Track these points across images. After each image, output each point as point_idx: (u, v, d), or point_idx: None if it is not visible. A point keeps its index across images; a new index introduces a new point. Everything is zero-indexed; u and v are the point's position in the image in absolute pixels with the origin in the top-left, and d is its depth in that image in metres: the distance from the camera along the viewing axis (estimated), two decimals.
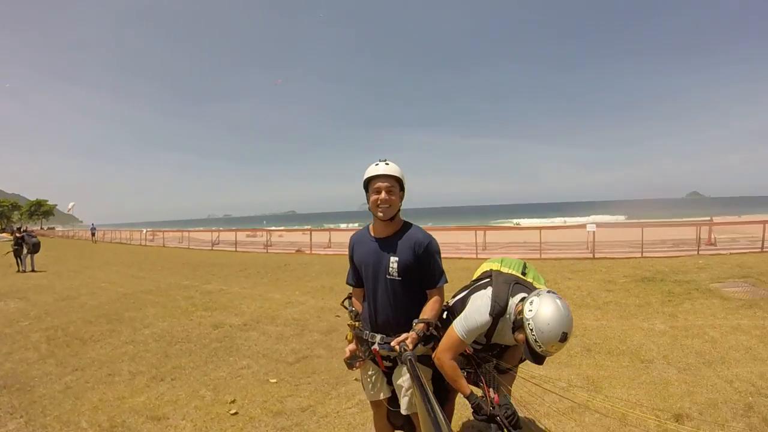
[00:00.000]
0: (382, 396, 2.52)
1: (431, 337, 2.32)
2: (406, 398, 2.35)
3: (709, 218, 19.24)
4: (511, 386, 2.54)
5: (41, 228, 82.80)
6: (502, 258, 2.66)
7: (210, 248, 25.09)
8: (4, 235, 43.36)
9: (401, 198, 2.37)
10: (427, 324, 2.25)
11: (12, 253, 15.80)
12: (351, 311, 2.55)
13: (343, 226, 43.66)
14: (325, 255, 17.93)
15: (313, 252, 19.34)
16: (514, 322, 2.12)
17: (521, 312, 2.04)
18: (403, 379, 2.35)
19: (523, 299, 2.13)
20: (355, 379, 4.45)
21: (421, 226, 2.51)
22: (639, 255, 13.26)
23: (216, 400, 4.11)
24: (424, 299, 2.40)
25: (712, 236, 15.41)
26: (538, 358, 2.01)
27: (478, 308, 2.22)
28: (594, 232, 14.42)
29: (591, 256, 13.71)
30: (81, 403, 4.14)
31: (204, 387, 4.42)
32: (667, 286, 8.16)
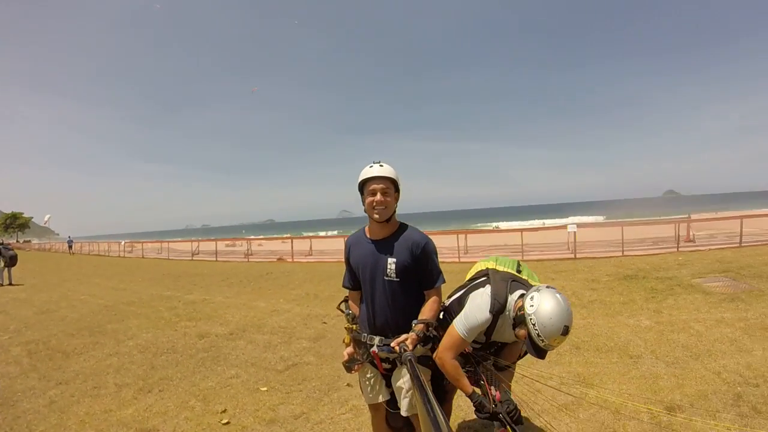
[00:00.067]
0: (380, 399, 2.50)
1: (430, 337, 2.31)
2: (406, 400, 2.33)
3: (687, 216, 19.70)
4: (510, 382, 2.56)
5: (17, 241, 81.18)
6: (497, 257, 2.67)
7: (190, 258, 24.73)
8: None
9: (397, 199, 2.37)
10: (427, 324, 2.25)
11: None
12: (348, 314, 2.53)
13: (322, 233, 43.53)
14: (307, 263, 17.81)
15: (294, 260, 19.20)
16: (514, 319, 2.14)
17: (522, 308, 2.06)
18: (403, 381, 2.33)
19: (522, 296, 2.15)
20: (347, 385, 4.42)
21: None
22: (620, 254, 13.46)
23: (206, 410, 4.03)
24: (422, 300, 2.40)
25: (691, 233, 15.77)
26: (541, 352, 2.03)
27: (478, 306, 2.23)
28: (575, 232, 14.61)
29: (572, 256, 13.89)
30: (67, 417, 4.03)
31: (193, 397, 4.33)
32: (650, 283, 8.30)
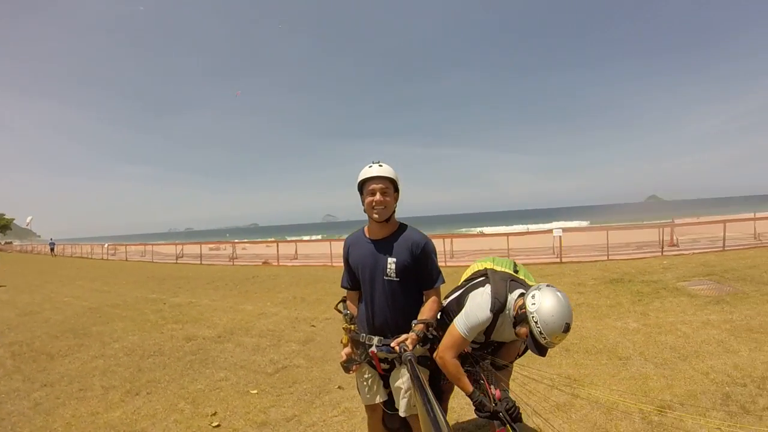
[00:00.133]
0: (378, 399, 2.49)
1: (429, 337, 2.30)
2: (405, 400, 2.32)
3: (670, 220, 20.03)
4: (508, 381, 2.57)
5: None
6: (494, 257, 2.69)
7: (174, 261, 24.41)
8: None
9: (396, 199, 2.37)
10: (427, 324, 2.24)
11: None
12: (346, 314, 2.50)
13: (306, 237, 43.35)
14: (292, 266, 17.70)
15: (280, 264, 19.08)
16: (515, 317, 2.15)
17: (523, 306, 2.07)
18: (402, 381, 2.32)
19: (521, 295, 2.17)
20: (339, 387, 4.39)
21: None
22: (605, 258, 13.59)
23: (196, 413, 3.97)
24: (421, 300, 2.40)
25: (674, 237, 16.03)
26: (542, 350, 2.05)
27: (479, 305, 2.24)
28: (560, 236, 14.75)
29: (558, 260, 13.98)
30: (53, 420, 3.95)
31: (182, 400, 4.26)
32: (636, 287, 8.39)
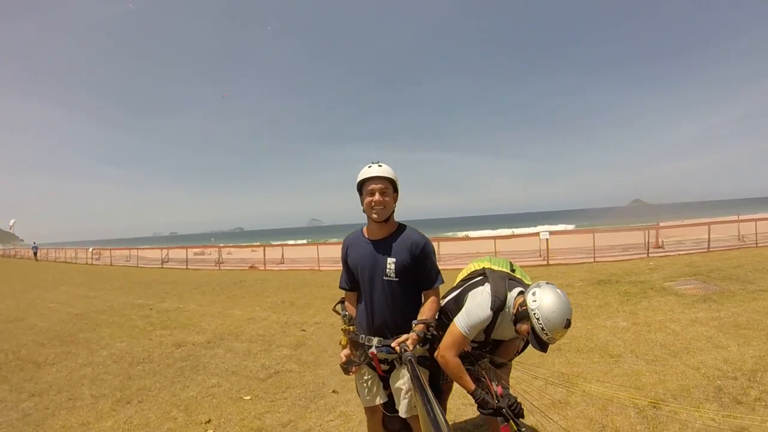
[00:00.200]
0: (378, 401, 2.47)
1: (428, 338, 2.30)
2: (406, 400, 2.31)
3: (655, 223, 20.34)
4: (508, 378, 2.58)
5: None
6: (490, 257, 2.71)
7: (160, 266, 24.04)
8: None
9: (395, 199, 2.37)
10: (427, 325, 2.24)
11: None
12: (344, 315, 2.48)
13: (291, 242, 43.00)
14: (279, 271, 17.59)
15: (267, 268, 18.95)
16: (515, 315, 2.17)
17: (524, 303, 2.10)
18: (402, 382, 2.31)
19: (521, 293, 2.20)
20: (333, 392, 4.36)
21: None
22: (592, 260, 13.74)
23: (190, 420, 3.90)
24: (420, 300, 2.40)
25: (660, 239, 16.27)
26: (544, 346, 2.07)
27: (479, 304, 2.25)
28: (547, 239, 14.89)
29: (545, 263, 14.10)
30: (43, 431, 3.85)
31: (175, 408, 4.18)
32: (623, 287, 8.52)
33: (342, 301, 2.63)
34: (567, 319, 1.99)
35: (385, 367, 2.38)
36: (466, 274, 2.67)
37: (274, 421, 3.81)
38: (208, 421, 3.85)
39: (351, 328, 2.43)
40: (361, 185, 2.34)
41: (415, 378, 1.82)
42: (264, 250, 21.86)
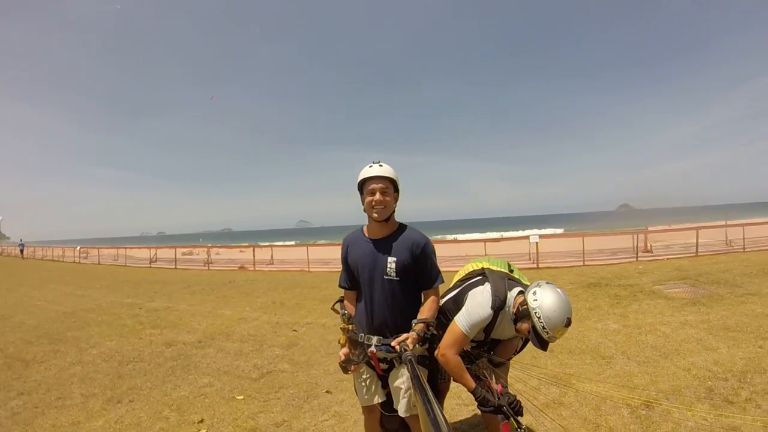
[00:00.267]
0: (376, 400, 2.46)
1: (428, 337, 2.30)
2: (405, 400, 2.31)
3: (644, 227, 20.55)
4: (506, 377, 2.60)
5: None
6: (488, 258, 2.73)
7: (148, 266, 23.82)
8: None
9: (396, 199, 2.37)
10: (427, 324, 2.24)
11: None
12: (343, 314, 2.48)
13: (279, 243, 42.78)
14: (269, 271, 17.53)
15: (256, 269, 18.87)
16: (515, 314, 2.19)
17: (525, 302, 2.12)
18: (401, 381, 2.32)
19: (520, 292, 2.22)
20: (327, 392, 4.35)
21: None
22: (581, 263, 13.83)
23: (182, 420, 3.86)
24: (420, 300, 2.41)
25: (648, 244, 16.45)
26: (544, 344, 2.10)
27: (480, 303, 2.26)
28: (537, 243, 14.97)
29: (535, 266, 14.17)
30: (32, 430, 3.79)
31: (167, 407, 4.14)
32: (613, 290, 8.61)
33: (341, 300, 2.63)
34: (567, 318, 2.02)
35: (384, 366, 2.38)
36: (463, 275, 2.68)
37: (268, 421, 3.78)
38: (201, 421, 3.82)
39: (350, 326, 2.43)
40: (362, 185, 2.34)
41: (415, 377, 1.82)
42: (254, 250, 21.77)
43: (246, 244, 35.34)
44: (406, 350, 2.07)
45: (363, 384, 2.48)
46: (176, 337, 6.77)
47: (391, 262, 2.31)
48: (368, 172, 2.31)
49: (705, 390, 3.82)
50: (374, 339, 2.33)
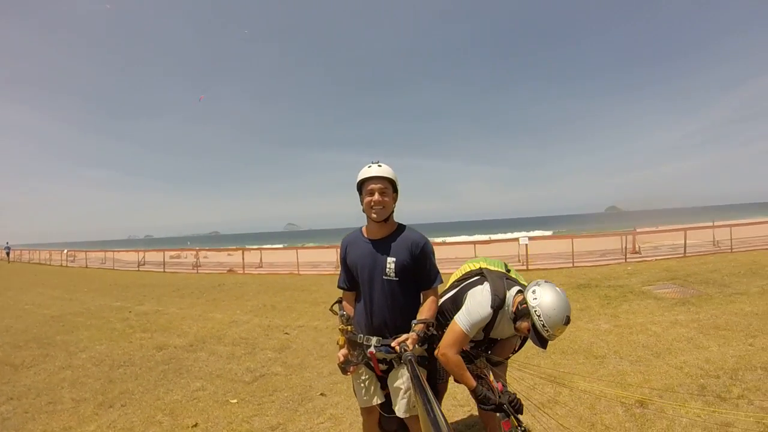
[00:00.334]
0: (375, 401, 2.45)
1: (428, 337, 2.30)
2: (404, 400, 2.30)
3: (632, 228, 20.76)
4: (505, 376, 2.61)
5: None
6: (485, 258, 2.74)
7: (136, 269, 23.59)
8: None
9: (395, 200, 2.37)
10: (427, 324, 2.24)
11: None
12: (342, 315, 2.46)
13: (267, 246, 42.63)
14: (258, 274, 17.45)
15: (246, 272, 18.77)
16: (515, 313, 2.20)
17: (524, 301, 2.14)
18: (401, 381, 2.31)
19: (519, 291, 2.24)
20: (321, 394, 4.33)
21: None
22: (570, 265, 13.94)
23: (176, 424, 3.81)
24: (419, 300, 2.41)
25: (637, 245, 16.63)
26: (544, 342, 2.12)
27: (480, 302, 2.28)
28: (527, 244, 15.08)
29: (525, 267, 14.25)
30: None
31: (159, 412, 4.09)
32: (603, 291, 8.69)
33: (339, 301, 2.61)
34: (567, 316, 2.05)
35: (383, 366, 2.37)
36: (460, 275, 2.68)
37: (263, 424, 3.75)
38: (195, 425, 3.77)
39: (349, 327, 2.42)
40: (361, 185, 2.33)
41: (415, 378, 1.82)
42: (243, 253, 21.66)
43: (234, 247, 35.10)
44: (406, 351, 2.06)
45: (362, 385, 2.46)
46: (167, 341, 6.71)
47: (391, 262, 2.30)
48: (367, 172, 2.31)
49: (698, 387, 3.88)
50: (373, 340, 2.32)
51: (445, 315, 2.47)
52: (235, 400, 4.30)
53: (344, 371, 2.38)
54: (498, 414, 2.15)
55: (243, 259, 20.50)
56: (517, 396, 2.21)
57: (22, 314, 9.80)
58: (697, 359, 4.56)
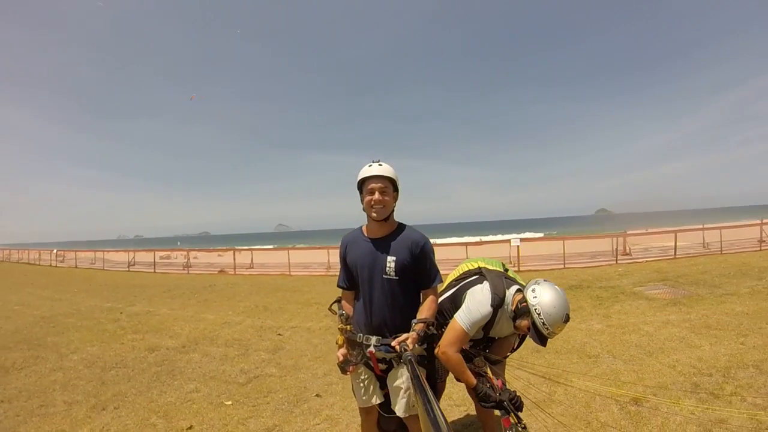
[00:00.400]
0: (374, 401, 2.44)
1: (427, 336, 2.30)
2: (404, 400, 2.30)
3: (623, 231, 20.94)
4: (504, 374, 2.62)
5: None
6: (483, 258, 2.76)
7: (126, 269, 23.36)
8: None
9: (395, 199, 2.37)
10: (427, 324, 2.24)
11: None
12: (341, 314, 2.46)
13: (258, 246, 42.46)
14: (249, 275, 17.39)
15: (237, 272, 18.69)
16: (514, 312, 2.22)
17: (524, 300, 2.17)
18: (401, 381, 2.30)
19: (518, 290, 2.26)
20: (317, 395, 4.31)
21: None
22: (562, 266, 14.08)
23: (170, 427, 3.77)
24: (419, 300, 2.40)
25: (627, 247, 16.79)
26: (544, 340, 2.14)
27: (480, 301, 2.29)
28: (518, 246, 15.18)
29: (516, 269, 14.27)
30: None
31: (153, 414, 4.04)
32: (595, 292, 8.77)
33: (338, 300, 2.60)
34: (566, 314, 2.08)
35: (382, 366, 2.36)
36: (458, 274, 2.70)
37: (259, 426, 3.73)
38: (190, 428, 3.74)
39: (348, 327, 2.41)
40: (361, 184, 2.33)
41: (415, 378, 1.82)
42: (234, 254, 21.56)
43: (225, 247, 34.89)
44: (406, 350, 2.06)
45: (361, 385, 2.45)
46: (159, 342, 6.64)
47: (391, 261, 2.30)
48: (368, 171, 2.31)
49: (691, 385, 3.94)
50: (373, 339, 2.31)
51: (443, 314, 2.48)
52: (229, 402, 4.26)
53: (343, 371, 2.37)
54: (498, 411, 2.16)
55: (234, 259, 20.40)
56: (518, 394, 2.23)
57: (12, 315, 9.66)
58: (690, 358, 4.62)
